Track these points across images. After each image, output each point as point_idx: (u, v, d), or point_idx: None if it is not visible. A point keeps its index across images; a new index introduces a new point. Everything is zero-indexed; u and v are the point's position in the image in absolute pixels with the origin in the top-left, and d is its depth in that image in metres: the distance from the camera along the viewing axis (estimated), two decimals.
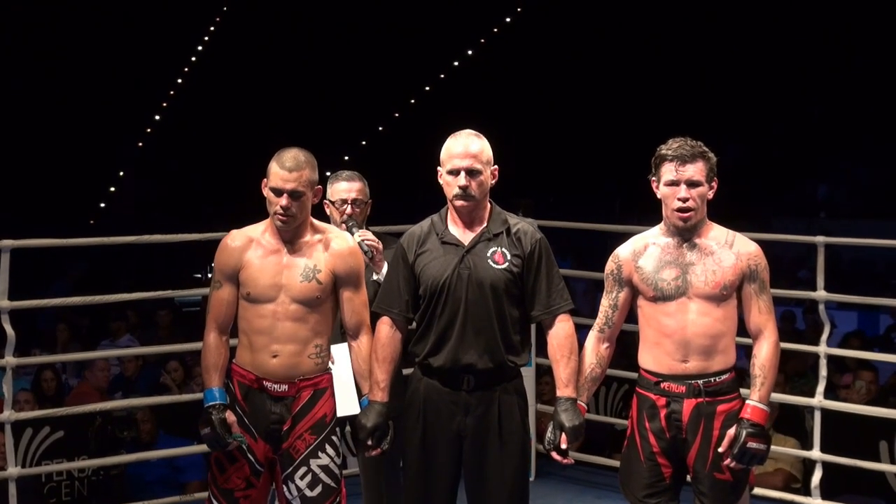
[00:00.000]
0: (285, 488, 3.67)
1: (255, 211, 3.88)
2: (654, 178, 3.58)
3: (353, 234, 4.20)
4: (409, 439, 3.70)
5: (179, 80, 19.84)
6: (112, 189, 20.63)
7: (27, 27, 17.19)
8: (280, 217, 3.62)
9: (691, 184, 3.51)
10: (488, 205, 3.69)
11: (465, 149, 3.59)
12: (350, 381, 4.15)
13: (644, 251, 3.62)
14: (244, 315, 3.68)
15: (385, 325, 3.69)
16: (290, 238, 3.67)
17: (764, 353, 3.54)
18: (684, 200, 3.51)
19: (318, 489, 3.65)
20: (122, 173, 20.70)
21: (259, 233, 3.71)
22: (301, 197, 3.61)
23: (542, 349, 6.80)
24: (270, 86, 18.89)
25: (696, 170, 3.51)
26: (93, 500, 5.84)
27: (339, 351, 4.18)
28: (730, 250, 3.56)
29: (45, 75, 17.63)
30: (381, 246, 4.18)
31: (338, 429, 4.26)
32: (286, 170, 3.59)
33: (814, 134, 19.80)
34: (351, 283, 3.70)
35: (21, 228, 5.94)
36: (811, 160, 19.89)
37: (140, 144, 20.41)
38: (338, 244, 3.71)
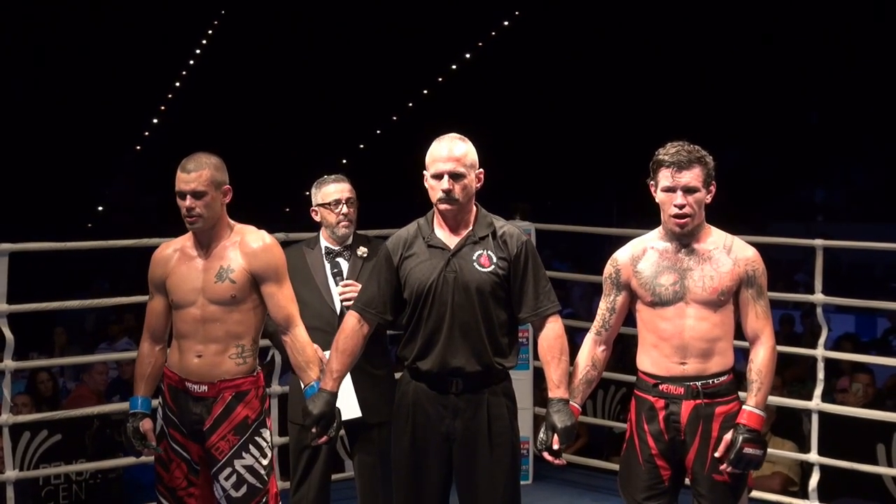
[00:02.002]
0: (213, 488, 3.76)
1: (253, 214, 3.90)
2: (652, 183, 3.58)
3: (338, 284, 4.22)
4: (398, 443, 3.69)
5: (177, 84, 19.86)
6: (110, 193, 20.65)
7: (25, 30, 17.19)
8: (188, 219, 3.72)
9: (688, 190, 3.50)
10: (474, 208, 3.68)
11: (449, 152, 3.60)
12: (348, 386, 4.16)
13: (642, 255, 3.62)
14: (174, 321, 3.81)
15: (353, 318, 3.70)
16: (208, 242, 3.76)
17: (761, 358, 3.55)
18: (681, 207, 3.50)
19: (244, 489, 3.72)
20: (120, 177, 20.73)
21: (184, 242, 3.83)
22: (204, 196, 3.69)
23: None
24: (269, 90, 18.90)
25: (692, 176, 3.50)
26: None
27: None
28: (727, 255, 3.56)
29: (43, 78, 17.63)
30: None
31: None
32: (186, 172, 3.70)
33: (811, 138, 19.82)
34: (269, 278, 3.75)
35: (19, 232, 5.94)
36: (809, 164, 19.91)
37: (138, 148, 20.43)
38: (252, 242, 3.76)
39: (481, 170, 3.67)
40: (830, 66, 18.39)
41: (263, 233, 3.83)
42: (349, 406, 4.16)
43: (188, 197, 3.68)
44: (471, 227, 3.65)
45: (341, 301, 4.18)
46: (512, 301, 3.64)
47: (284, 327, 3.78)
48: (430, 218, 3.69)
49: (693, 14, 17.86)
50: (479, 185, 3.66)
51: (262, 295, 3.76)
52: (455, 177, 3.58)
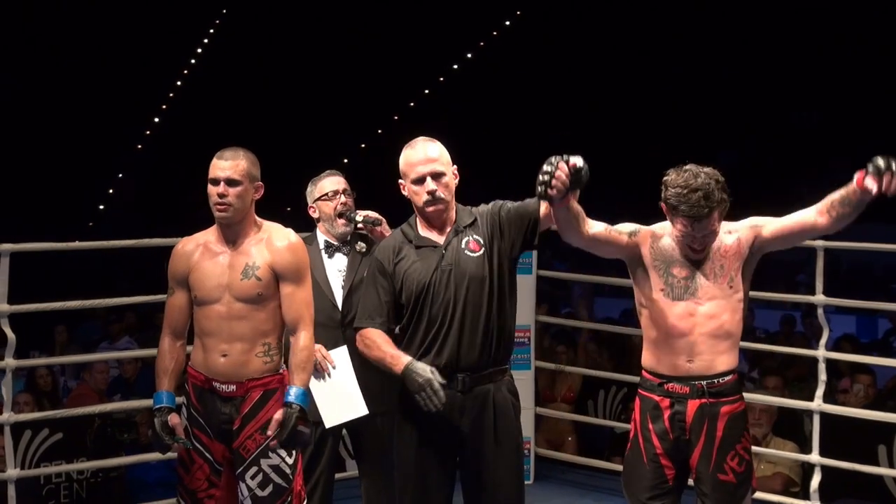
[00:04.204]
0: (238, 488, 3.72)
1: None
2: (664, 205, 3.53)
3: (353, 220, 4.24)
4: (404, 442, 3.68)
5: (179, 83, 19.87)
6: (111, 191, 20.65)
7: (25, 28, 17.20)
8: (217, 206, 3.69)
9: (706, 236, 3.49)
10: (454, 205, 3.71)
11: (426, 154, 3.63)
12: (353, 384, 4.16)
13: (661, 237, 3.60)
14: (196, 318, 3.77)
15: (368, 332, 3.65)
16: (234, 238, 3.74)
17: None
18: (701, 247, 3.50)
19: (269, 489, 3.69)
20: (120, 176, 20.73)
21: (207, 237, 3.80)
22: (237, 185, 3.67)
23: (541, 354, 6.82)
24: (269, 89, 18.90)
25: (711, 222, 3.46)
26: (91, 502, 5.84)
27: (339, 355, 4.19)
28: (730, 235, 3.56)
29: (43, 77, 17.63)
30: (383, 219, 4.26)
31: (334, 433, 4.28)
32: (223, 159, 3.70)
33: (811, 139, 19.82)
34: (289, 278, 3.72)
35: (20, 231, 5.94)
36: (808, 165, 19.90)
37: (139, 147, 20.43)
38: (277, 240, 3.74)
39: (455, 166, 3.70)
40: (831, 68, 18.39)
41: (290, 231, 3.81)
42: (355, 405, 4.16)
43: (222, 184, 3.66)
44: (454, 222, 3.68)
45: (366, 219, 4.24)
46: (516, 237, 3.64)
47: (292, 328, 3.74)
48: (413, 223, 3.72)
49: (694, 15, 17.87)
50: (457, 181, 3.70)
51: None
52: (436, 176, 3.62)
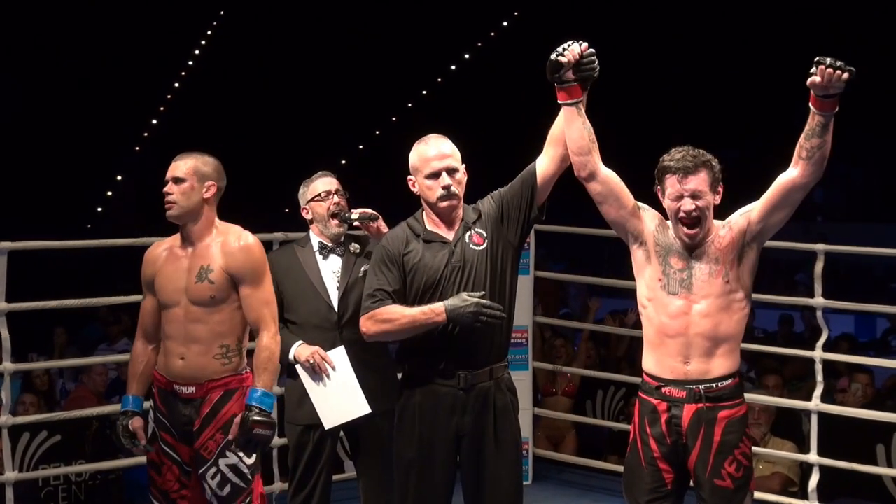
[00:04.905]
0: (202, 488, 3.76)
1: (253, 215, 3.90)
2: (658, 188, 3.56)
3: (348, 220, 4.24)
4: (404, 442, 3.67)
5: (177, 85, 19.87)
6: (109, 193, 20.65)
7: (25, 29, 17.19)
8: (165, 204, 3.74)
9: (695, 195, 3.48)
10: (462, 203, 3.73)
11: (439, 150, 3.66)
12: (353, 383, 4.15)
13: (667, 227, 3.58)
14: (162, 322, 3.80)
15: (391, 306, 3.60)
16: (192, 240, 3.77)
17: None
18: (689, 213, 3.47)
19: (228, 489, 3.72)
20: (119, 177, 20.73)
21: (174, 241, 3.84)
22: (182, 183, 3.72)
23: (540, 354, 6.81)
24: (267, 91, 18.89)
25: (699, 181, 3.47)
26: None
27: (338, 355, 4.18)
28: (724, 228, 3.54)
29: (43, 78, 17.63)
30: (378, 214, 4.25)
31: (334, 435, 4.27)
32: (174, 160, 3.76)
33: None
34: (245, 280, 3.73)
35: (20, 232, 5.93)
36: None
37: (137, 149, 20.42)
38: (231, 242, 3.75)
39: (464, 164, 3.72)
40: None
41: (246, 233, 3.80)
42: (358, 404, 4.15)
43: (169, 183, 3.72)
44: (462, 219, 3.69)
45: (361, 217, 4.22)
46: (518, 214, 3.67)
47: (254, 330, 3.75)
48: (420, 217, 3.71)
49: (694, 15, 17.87)
50: (466, 178, 3.71)
51: None
52: (450, 172, 3.63)
